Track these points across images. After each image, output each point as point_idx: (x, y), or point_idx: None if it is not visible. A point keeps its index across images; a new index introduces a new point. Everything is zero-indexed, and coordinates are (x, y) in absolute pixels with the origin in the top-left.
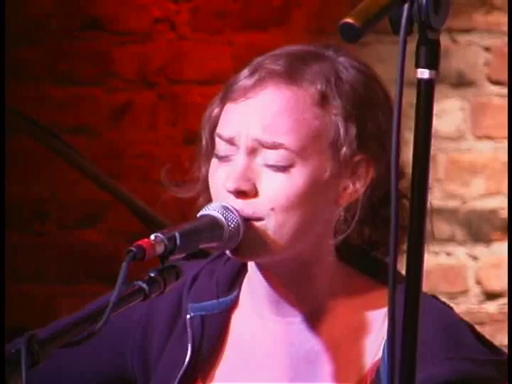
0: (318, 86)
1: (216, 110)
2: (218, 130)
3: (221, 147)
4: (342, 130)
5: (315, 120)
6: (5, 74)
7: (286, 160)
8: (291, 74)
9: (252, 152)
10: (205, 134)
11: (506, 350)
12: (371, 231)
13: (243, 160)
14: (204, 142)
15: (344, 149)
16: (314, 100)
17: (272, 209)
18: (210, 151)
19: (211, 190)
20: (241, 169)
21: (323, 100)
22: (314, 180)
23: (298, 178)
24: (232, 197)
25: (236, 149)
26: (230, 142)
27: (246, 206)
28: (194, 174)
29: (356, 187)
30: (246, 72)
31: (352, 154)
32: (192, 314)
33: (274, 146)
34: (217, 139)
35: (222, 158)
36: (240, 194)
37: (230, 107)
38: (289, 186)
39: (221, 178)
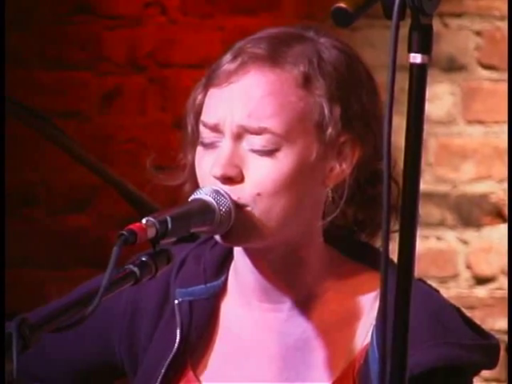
0: (301, 68)
1: (200, 97)
2: (202, 118)
3: (206, 134)
4: (326, 111)
5: (299, 102)
6: (5, 64)
7: (272, 144)
8: (274, 56)
9: (237, 137)
10: (190, 120)
11: (496, 334)
12: (356, 211)
13: (229, 146)
14: (190, 129)
15: (329, 130)
16: (298, 82)
17: (258, 194)
18: (196, 138)
19: (198, 178)
20: (227, 155)
21: (307, 81)
22: (301, 163)
23: (284, 161)
24: (219, 183)
25: (221, 135)
26: (215, 128)
27: (231, 192)
28: (180, 161)
29: (342, 168)
30: (228, 57)
31: (337, 134)
32: (180, 300)
33: (260, 131)
34: (201, 127)
35: (207, 146)
36: (227, 179)
37: (213, 93)
38: (275, 170)
39: (207, 165)
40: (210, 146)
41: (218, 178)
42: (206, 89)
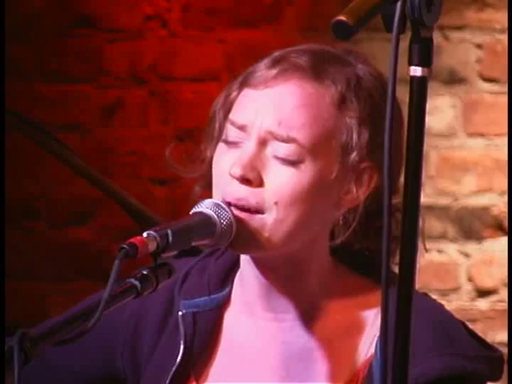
0: (339, 87)
1: (233, 94)
2: (231, 116)
3: (231, 133)
4: (354, 135)
5: (331, 120)
6: (5, 74)
7: (296, 155)
8: (315, 70)
9: (263, 142)
10: (219, 116)
11: (497, 347)
12: (364, 241)
13: (253, 148)
14: (217, 125)
15: (354, 153)
16: (333, 100)
17: (276, 203)
18: (220, 135)
19: (214, 174)
20: (249, 157)
21: (342, 101)
22: (320, 179)
23: (304, 174)
24: (236, 182)
25: (247, 136)
26: (242, 129)
27: (250, 196)
28: (199, 155)
29: (358, 193)
30: (267, 62)
31: (360, 159)
32: (184, 311)
33: (287, 140)
34: (228, 124)
35: (230, 144)
36: (245, 181)
37: (248, 93)
38: (295, 181)
39: (227, 162)
40: (232, 144)
41: (236, 178)
42: (241, 88)
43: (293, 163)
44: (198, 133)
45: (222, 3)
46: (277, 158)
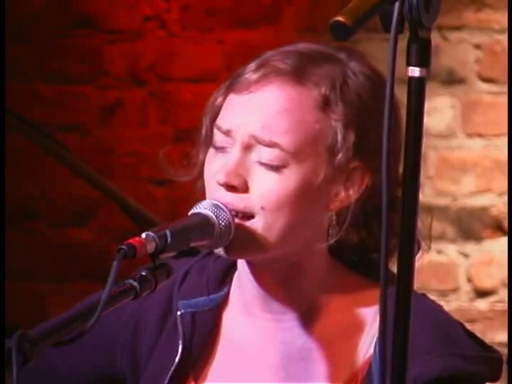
0: (323, 90)
1: (219, 99)
2: (218, 121)
3: (218, 138)
4: (339, 137)
5: (315, 123)
6: (5, 74)
7: (280, 160)
8: (298, 73)
9: (247, 147)
10: (206, 121)
11: (497, 347)
12: (365, 236)
13: (237, 155)
14: (204, 130)
15: (340, 155)
16: (317, 103)
17: (262, 207)
18: (210, 139)
19: (205, 179)
20: (233, 163)
21: (325, 104)
22: (307, 183)
23: (290, 178)
24: (223, 189)
25: (232, 141)
26: (227, 134)
27: (237, 201)
28: (192, 158)
29: (348, 193)
30: (252, 65)
31: (347, 160)
32: (183, 311)
33: (270, 145)
34: (215, 129)
35: (218, 149)
36: (230, 187)
37: (232, 98)
38: (280, 185)
39: (214, 168)
40: (220, 149)
41: (221, 185)
42: (226, 92)
43: (276, 168)
44: (197, 133)
45: (221, 3)
46: (261, 163)
